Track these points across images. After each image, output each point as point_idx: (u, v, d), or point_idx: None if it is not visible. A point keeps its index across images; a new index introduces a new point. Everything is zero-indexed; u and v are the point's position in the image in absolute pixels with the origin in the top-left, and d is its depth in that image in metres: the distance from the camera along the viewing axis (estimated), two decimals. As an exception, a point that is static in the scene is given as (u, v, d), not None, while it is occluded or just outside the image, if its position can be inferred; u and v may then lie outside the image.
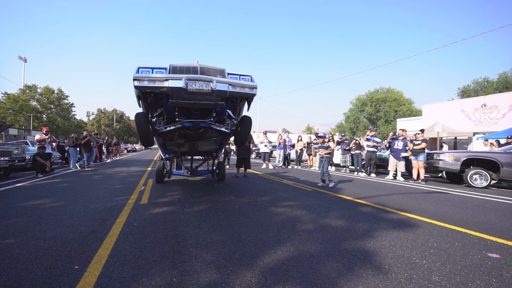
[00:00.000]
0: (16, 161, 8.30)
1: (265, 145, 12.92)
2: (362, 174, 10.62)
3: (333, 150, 7.96)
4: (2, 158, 7.75)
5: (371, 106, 44.15)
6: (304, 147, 14.50)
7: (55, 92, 41.12)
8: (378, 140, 10.80)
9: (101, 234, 3.09)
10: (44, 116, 39.75)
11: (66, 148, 12.95)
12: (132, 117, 78.28)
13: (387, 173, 10.19)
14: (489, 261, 2.57)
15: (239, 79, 4.80)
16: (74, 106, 45.12)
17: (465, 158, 8.13)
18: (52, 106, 41.00)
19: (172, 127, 5.09)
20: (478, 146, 16.39)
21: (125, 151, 39.77)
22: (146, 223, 3.59)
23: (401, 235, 3.29)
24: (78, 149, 11.55)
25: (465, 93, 39.57)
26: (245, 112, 6.09)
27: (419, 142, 8.81)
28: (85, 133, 11.99)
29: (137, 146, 60.83)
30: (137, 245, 2.77)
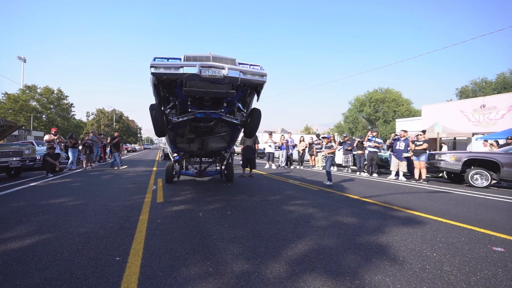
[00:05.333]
0: (27, 161, 8.46)
1: (270, 145, 13.13)
2: (365, 174, 10.84)
3: (335, 149, 8.23)
4: (14, 158, 7.91)
5: (369, 106, 44.45)
6: (306, 147, 14.71)
7: (55, 92, 41.19)
8: (380, 140, 11.03)
9: (130, 230, 3.28)
10: (43, 116, 39.81)
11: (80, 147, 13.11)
12: (131, 117, 78.18)
13: (389, 173, 10.42)
14: (494, 254, 2.77)
15: (250, 68, 5.00)
16: (74, 106, 45.15)
17: (466, 159, 8.36)
18: (51, 106, 41.06)
19: (184, 118, 5.28)
20: (477, 147, 16.65)
21: (126, 151, 39.84)
22: (168, 220, 3.78)
23: (411, 231, 3.49)
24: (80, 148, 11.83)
25: (463, 93, 39.93)
26: (254, 104, 6.27)
27: (421, 142, 9.03)
28: (115, 134, 12.57)
29: (137, 146, 60.93)
30: (166, 240, 2.96)
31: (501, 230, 3.63)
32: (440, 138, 18.15)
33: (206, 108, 5.35)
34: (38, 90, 39.36)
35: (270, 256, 2.59)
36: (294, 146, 14.92)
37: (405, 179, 9.37)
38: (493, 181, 7.98)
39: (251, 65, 5.09)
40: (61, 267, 2.26)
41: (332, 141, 11.81)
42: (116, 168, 11.94)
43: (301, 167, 13.83)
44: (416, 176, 9.09)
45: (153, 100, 5.45)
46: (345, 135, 13.51)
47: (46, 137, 10.56)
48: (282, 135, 14.70)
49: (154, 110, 5.04)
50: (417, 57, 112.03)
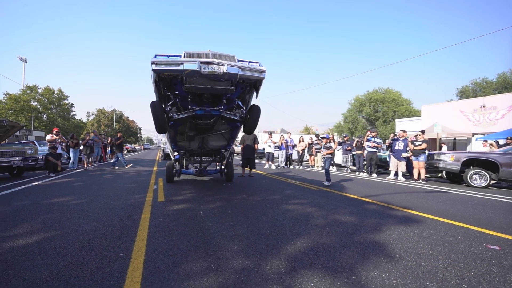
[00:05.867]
0: (30, 161, 8.54)
1: (269, 145, 13.21)
2: (364, 174, 10.90)
3: (334, 150, 8.28)
4: (17, 158, 7.99)
5: (369, 106, 44.48)
6: (306, 147, 14.78)
7: (55, 92, 41.35)
8: (378, 140, 11.09)
9: (132, 228, 3.35)
10: (44, 116, 39.93)
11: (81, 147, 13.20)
12: (131, 117, 78.35)
13: (388, 173, 10.48)
14: (489, 252, 2.84)
15: (248, 64, 5.08)
16: (74, 107, 45.30)
17: (465, 159, 8.42)
18: (52, 107, 41.20)
19: (185, 115, 5.34)
20: (477, 147, 16.69)
21: (125, 151, 39.91)
22: (170, 218, 3.86)
23: (408, 230, 3.56)
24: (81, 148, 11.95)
25: (463, 93, 39.94)
26: (254, 101, 6.34)
27: (420, 143, 9.09)
28: (119, 134, 12.79)
29: (137, 146, 61.06)
30: (168, 237, 3.04)
31: (498, 229, 3.69)
32: (440, 138, 18.20)
33: (206, 105, 5.42)
34: (39, 91, 39.51)
35: (270, 253, 2.66)
36: (294, 146, 15.00)
37: (404, 179, 9.43)
38: (493, 181, 8.03)
39: (250, 61, 5.15)
40: (68, 263, 2.33)
41: (332, 141, 11.89)
42: (117, 168, 12.02)
43: (301, 167, 13.90)
44: (415, 176, 9.15)
45: (153, 98, 5.52)
46: (344, 135, 13.57)
47: (48, 137, 10.65)
48: (282, 135, 14.77)
49: (155, 107, 5.12)
50: (416, 57, 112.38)
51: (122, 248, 2.68)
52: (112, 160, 13.00)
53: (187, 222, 3.67)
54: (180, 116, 5.34)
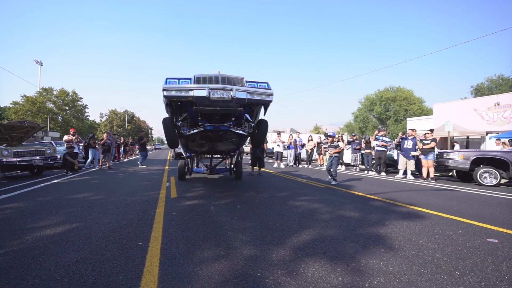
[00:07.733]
0: (49, 160, 8.99)
1: (278, 145, 13.39)
2: (372, 173, 10.94)
3: (342, 149, 8.37)
4: (37, 157, 8.44)
5: (380, 105, 43.98)
6: (314, 146, 14.88)
7: (70, 94, 42.69)
8: (387, 139, 11.09)
9: (148, 221, 3.61)
10: (59, 117, 41.26)
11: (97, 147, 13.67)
12: (143, 118, 79.71)
13: (397, 172, 10.50)
14: (487, 245, 2.95)
15: (257, 86, 5.25)
16: (88, 108, 46.61)
17: (474, 157, 8.38)
18: (67, 108, 42.55)
19: (195, 131, 5.59)
20: (491, 146, 16.38)
21: (138, 151, 40.72)
22: (182, 213, 4.10)
23: (410, 224, 3.69)
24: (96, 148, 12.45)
25: (478, 91, 39.03)
26: (261, 116, 6.52)
27: (429, 141, 9.09)
28: (142, 134, 13.43)
29: (148, 146, 62.20)
30: (182, 229, 3.28)
31: (500, 224, 3.77)
32: (452, 137, 17.91)
33: (215, 121, 5.65)
34: (54, 92, 40.90)
35: (276, 243, 2.86)
36: (303, 145, 15.12)
37: (413, 178, 9.44)
38: (504, 180, 7.96)
39: (258, 82, 5.31)
40: (93, 249, 2.60)
41: (340, 140, 11.96)
42: (138, 163, 12.58)
43: (309, 166, 14.02)
44: (424, 174, 9.15)
45: (164, 112, 5.81)
46: (353, 134, 13.60)
47: (66, 137, 11.13)
48: (291, 134, 14.93)
49: (167, 123, 5.38)
50: (427, 55, 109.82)
51: (140, 238, 2.93)
52: (140, 158, 13.40)
53: (199, 216, 3.91)
54: (191, 132, 5.59)
